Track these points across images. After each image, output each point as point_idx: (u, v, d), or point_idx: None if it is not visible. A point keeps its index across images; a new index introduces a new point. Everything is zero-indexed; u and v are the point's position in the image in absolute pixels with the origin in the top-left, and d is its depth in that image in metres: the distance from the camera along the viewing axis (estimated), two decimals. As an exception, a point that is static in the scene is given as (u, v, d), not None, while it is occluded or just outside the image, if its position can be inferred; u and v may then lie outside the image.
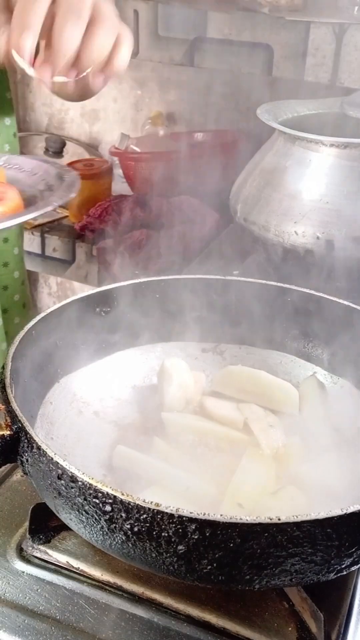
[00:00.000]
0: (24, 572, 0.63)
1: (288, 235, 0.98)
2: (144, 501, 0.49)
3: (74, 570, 0.63)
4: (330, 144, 0.96)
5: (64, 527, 0.62)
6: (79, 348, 0.76)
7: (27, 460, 0.56)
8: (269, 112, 1.05)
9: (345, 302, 0.77)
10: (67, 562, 0.63)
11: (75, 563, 0.63)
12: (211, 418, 0.75)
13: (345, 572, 0.53)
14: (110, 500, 0.49)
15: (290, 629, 0.58)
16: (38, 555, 0.64)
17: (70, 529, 0.57)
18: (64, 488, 0.52)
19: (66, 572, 0.63)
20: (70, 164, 1.64)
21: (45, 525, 0.65)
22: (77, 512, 0.52)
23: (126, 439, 0.73)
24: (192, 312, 0.82)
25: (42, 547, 0.65)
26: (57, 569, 0.63)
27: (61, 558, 0.64)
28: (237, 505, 0.63)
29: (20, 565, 0.64)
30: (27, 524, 0.65)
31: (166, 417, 0.74)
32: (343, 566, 0.52)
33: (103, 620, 0.59)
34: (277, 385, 0.78)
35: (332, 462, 0.69)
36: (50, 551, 0.64)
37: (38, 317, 0.70)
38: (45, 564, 0.64)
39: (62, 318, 0.73)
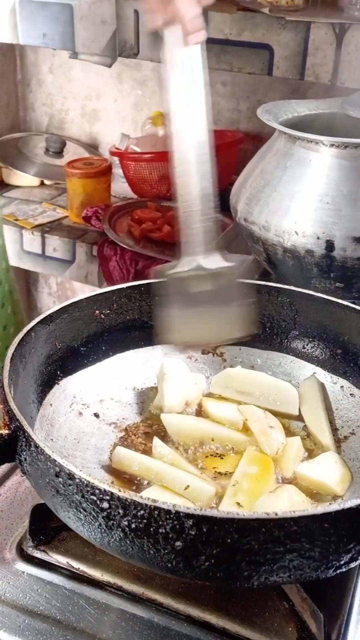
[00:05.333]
0: (24, 572, 0.63)
1: (288, 235, 0.98)
2: (141, 497, 0.49)
3: (74, 570, 0.63)
4: (330, 144, 0.95)
5: (64, 528, 0.62)
6: (78, 350, 0.76)
7: (25, 459, 0.56)
8: (269, 112, 1.05)
9: (345, 302, 0.77)
10: (67, 562, 0.64)
11: (76, 563, 0.63)
12: (211, 419, 0.75)
13: (344, 569, 0.53)
14: (107, 497, 0.50)
15: (290, 629, 0.58)
16: (38, 555, 0.64)
17: (70, 530, 0.58)
18: (61, 486, 0.52)
19: (66, 572, 0.63)
20: (70, 163, 1.65)
21: (45, 526, 0.65)
22: (75, 510, 0.52)
23: (126, 440, 0.73)
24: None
25: (42, 547, 0.65)
26: (57, 569, 0.64)
27: (61, 558, 0.64)
28: (236, 505, 0.63)
29: (20, 565, 0.64)
30: (27, 524, 0.65)
31: (166, 419, 0.74)
32: (342, 562, 0.52)
33: (103, 620, 0.59)
34: (276, 386, 0.78)
35: (331, 462, 0.69)
36: (50, 551, 0.64)
37: (37, 319, 0.70)
38: (45, 564, 0.64)
39: (62, 320, 0.73)
